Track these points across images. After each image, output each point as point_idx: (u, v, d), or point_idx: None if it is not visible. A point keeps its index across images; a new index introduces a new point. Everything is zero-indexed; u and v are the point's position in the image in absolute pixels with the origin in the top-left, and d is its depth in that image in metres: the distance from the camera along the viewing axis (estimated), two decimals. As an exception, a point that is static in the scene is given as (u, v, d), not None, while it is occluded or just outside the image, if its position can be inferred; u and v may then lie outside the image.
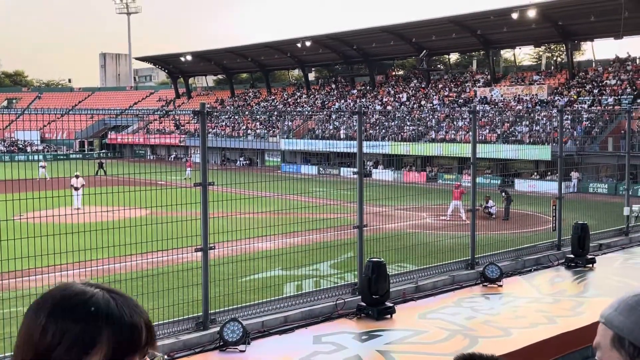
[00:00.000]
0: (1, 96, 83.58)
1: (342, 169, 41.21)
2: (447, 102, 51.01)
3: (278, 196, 10.10)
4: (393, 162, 42.19)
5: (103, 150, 70.50)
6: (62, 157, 59.68)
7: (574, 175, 33.22)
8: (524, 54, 69.91)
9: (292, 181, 10.68)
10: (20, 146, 68.75)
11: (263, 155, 57.18)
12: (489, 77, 51.65)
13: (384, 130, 49.35)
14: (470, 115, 11.57)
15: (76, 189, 23.62)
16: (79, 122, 70.58)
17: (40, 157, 51.54)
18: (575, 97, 43.94)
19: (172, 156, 66.01)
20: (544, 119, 42.43)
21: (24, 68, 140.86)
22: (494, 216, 23.39)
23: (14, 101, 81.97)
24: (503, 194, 24.86)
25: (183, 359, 7.10)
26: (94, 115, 71.95)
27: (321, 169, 47.28)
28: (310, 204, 11.55)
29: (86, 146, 73.42)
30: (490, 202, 24.39)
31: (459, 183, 26.37)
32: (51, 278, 8.80)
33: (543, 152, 36.11)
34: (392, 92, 56.98)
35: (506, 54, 58.56)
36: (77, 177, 24.92)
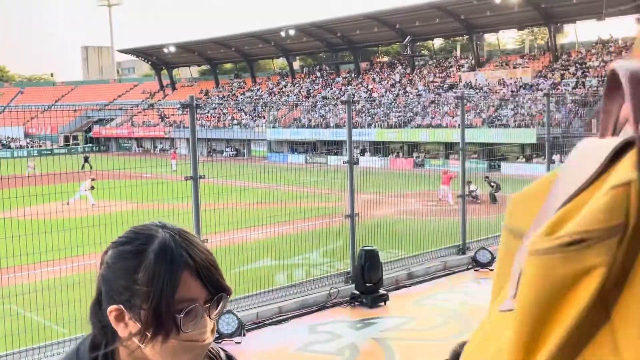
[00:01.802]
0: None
1: (329, 157, 41.24)
2: (432, 88, 51.09)
3: (267, 186, 10.10)
4: (380, 149, 42.28)
5: (88, 144, 70.00)
6: (46, 152, 59.17)
7: (557, 157, 33.43)
8: (508, 38, 70.11)
9: (280, 171, 10.68)
10: (4, 142, 68.08)
11: (249, 146, 57.06)
12: (473, 61, 51.76)
13: (370, 118, 49.37)
14: (457, 101, 11.61)
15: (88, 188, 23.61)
16: (63, 117, 69.94)
17: (25, 153, 51.01)
18: (559, 79, 44.16)
19: (158, 148, 65.67)
20: (529, 102, 42.63)
21: (5, 63, 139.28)
22: (478, 200, 23.42)
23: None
24: (492, 184, 24.77)
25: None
26: (78, 109, 71.33)
27: (308, 157, 47.28)
28: (298, 193, 11.57)
29: (71, 140, 72.86)
30: (472, 186, 24.32)
31: (446, 169, 26.58)
32: (40, 275, 8.77)
33: (528, 135, 36.31)
34: (377, 79, 56.96)
35: (490, 38, 58.68)
36: (92, 179, 24.91)
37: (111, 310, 1.21)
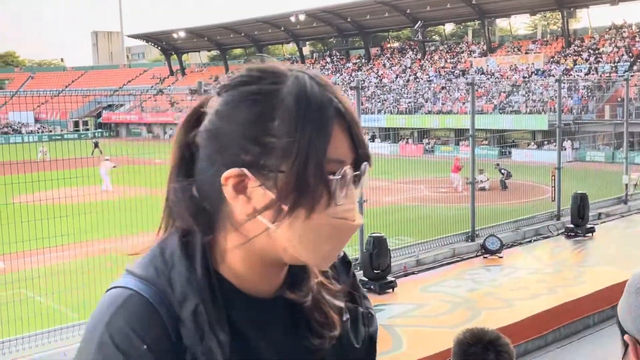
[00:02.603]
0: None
1: (339, 143, 41.06)
2: (443, 74, 50.77)
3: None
4: (389, 135, 42.13)
5: (98, 130, 70.21)
6: (57, 137, 59.41)
7: (568, 144, 33.14)
8: (520, 23, 69.42)
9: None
10: (15, 127, 68.39)
11: (259, 131, 57.02)
12: (484, 47, 51.35)
13: (380, 104, 49.18)
14: (468, 87, 11.53)
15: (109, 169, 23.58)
16: (72, 103, 70.07)
17: (36, 138, 51.29)
18: (571, 65, 43.75)
19: (168, 134, 65.79)
20: (541, 88, 42.29)
21: (15, 49, 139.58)
22: (487, 189, 23.26)
23: (6, 82, 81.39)
24: (503, 171, 24.63)
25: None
26: (88, 95, 71.51)
27: (318, 143, 47.10)
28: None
29: (81, 126, 73.09)
30: (482, 177, 24.13)
31: (458, 157, 26.59)
32: (52, 259, 8.82)
33: (540, 122, 36.06)
34: (388, 64, 56.66)
35: (502, 23, 58.17)
36: (108, 160, 24.88)
37: (228, 176, 0.87)
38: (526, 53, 48.02)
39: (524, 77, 44.13)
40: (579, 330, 7.93)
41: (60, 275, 8.03)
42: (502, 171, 24.50)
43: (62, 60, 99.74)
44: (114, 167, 23.71)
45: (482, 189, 22.87)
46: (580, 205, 11.62)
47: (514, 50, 49.62)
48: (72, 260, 9.81)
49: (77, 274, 8.49)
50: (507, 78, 45.16)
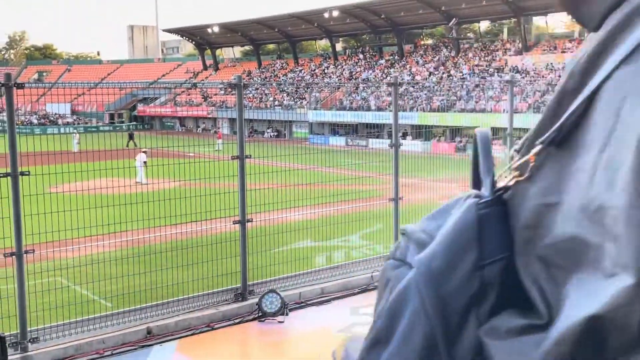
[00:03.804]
0: (32, 69, 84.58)
1: (370, 140, 41.01)
2: (477, 72, 50.24)
3: (309, 168, 10.09)
4: (422, 133, 41.84)
5: (133, 122, 71.16)
6: (92, 129, 60.37)
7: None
8: (558, 22, 68.33)
9: (321, 153, 10.65)
10: (52, 119, 69.65)
11: (291, 127, 57.15)
12: (520, 45, 50.67)
13: (412, 101, 48.88)
14: (504, 85, 11.37)
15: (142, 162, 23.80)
16: (108, 95, 71.16)
17: (73, 130, 52.17)
18: (609, 65, 42.92)
19: (200, 128, 66.34)
20: (577, 87, 41.57)
21: (53, 41, 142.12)
22: None
23: (44, 74, 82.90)
24: None
25: (223, 329, 7.18)
26: (123, 88, 72.50)
27: (349, 140, 47.12)
28: (339, 175, 11.54)
29: (116, 118, 74.16)
30: None
31: None
32: (86, 249, 8.95)
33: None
34: (421, 61, 56.27)
35: (538, 21, 57.30)
36: (145, 152, 25.18)
37: None
38: (563, 52, 47.24)
39: (559, 77, 43.42)
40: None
41: (96, 265, 8.14)
42: None
43: (98, 53, 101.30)
44: (145, 162, 23.92)
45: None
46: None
47: (550, 49, 48.86)
48: (107, 250, 9.94)
49: (112, 264, 8.60)
50: (543, 77, 44.50)
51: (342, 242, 14.02)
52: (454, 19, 51.79)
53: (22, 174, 6.47)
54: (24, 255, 6.45)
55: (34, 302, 6.89)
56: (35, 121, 68.11)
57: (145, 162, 24.15)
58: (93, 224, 7.77)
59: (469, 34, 60.86)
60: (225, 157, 7.96)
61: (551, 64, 46.21)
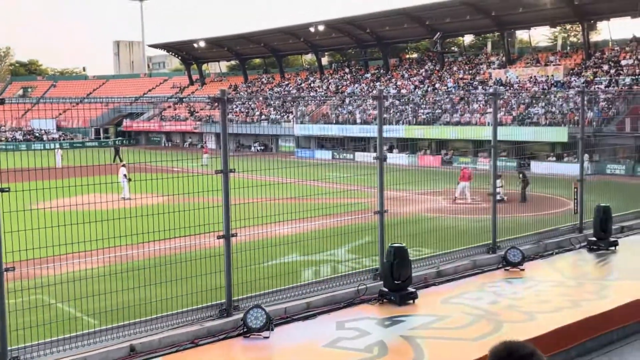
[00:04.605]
0: (17, 85, 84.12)
1: (356, 153, 41.08)
2: (461, 85, 50.60)
3: (294, 182, 10.07)
4: (408, 146, 41.98)
5: (119, 138, 70.84)
6: (78, 144, 60.02)
7: (586, 157, 32.76)
8: (540, 35, 69.11)
9: (308, 167, 10.65)
10: (37, 134, 69.17)
11: (277, 141, 57.16)
12: (504, 58, 51.14)
13: (398, 114, 49.09)
14: (487, 98, 11.46)
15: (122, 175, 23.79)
16: (94, 110, 70.86)
17: (55, 146, 51.87)
18: (591, 77, 43.39)
19: (187, 143, 66.17)
20: (560, 100, 41.97)
21: (38, 57, 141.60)
22: (505, 199, 23.07)
23: (29, 90, 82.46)
24: (520, 175, 24.64)
25: (207, 345, 7.11)
26: (109, 103, 72.20)
27: (336, 153, 47.17)
28: (326, 189, 11.54)
29: (102, 134, 73.78)
30: (497, 181, 23.92)
31: (465, 166, 27.50)
32: (69, 266, 8.84)
33: (560, 134, 35.77)
34: (406, 75, 56.59)
35: (521, 35, 57.91)
36: (124, 166, 25.20)
37: None
38: (546, 65, 47.73)
39: (543, 89, 43.83)
40: (604, 345, 7.79)
41: (80, 282, 8.05)
42: (521, 175, 24.48)
43: (84, 69, 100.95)
44: (125, 176, 23.85)
45: (501, 200, 22.62)
46: (603, 218, 11.46)
47: (533, 62, 49.34)
48: (92, 267, 9.84)
49: (96, 281, 8.51)
50: (527, 90, 44.88)
51: (328, 255, 14.00)
52: (438, 33, 52.22)
53: (2, 190, 6.41)
54: (4, 273, 6.36)
55: (14, 321, 6.79)
56: (20, 137, 67.59)
57: (125, 176, 24.07)
58: (76, 240, 7.69)
59: (453, 48, 61.34)
60: (211, 171, 7.94)
61: (534, 76, 46.63)
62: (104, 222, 7.89)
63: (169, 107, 71.10)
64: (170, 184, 8.71)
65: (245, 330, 7.28)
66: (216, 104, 7.29)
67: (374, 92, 10.11)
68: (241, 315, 7.37)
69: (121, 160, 32.97)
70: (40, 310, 7.79)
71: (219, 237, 7.66)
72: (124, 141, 67.86)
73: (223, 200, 7.64)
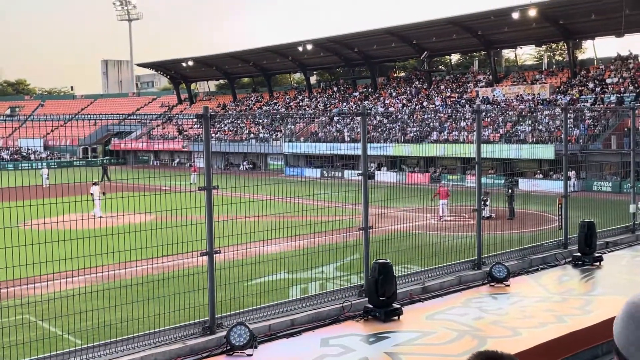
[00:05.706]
0: (4, 104, 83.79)
1: (345, 171, 41.16)
2: (449, 103, 50.98)
3: (282, 199, 10.07)
4: (396, 163, 42.13)
5: (107, 157, 70.60)
6: (65, 164, 59.73)
7: (572, 174, 33.05)
8: (526, 54, 69.81)
9: (295, 184, 10.66)
10: (24, 154, 68.84)
11: (266, 159, 57.19)
12: (490, 77, 51.61)
13: (386, 132, 49.31)
14: (474, 115, 11.56)
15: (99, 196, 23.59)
16: (82, 129, 70.66)
17: (45, 165, 51.58)
18: (577, 95, 43.85)
19: (176, 161, 66.06)
20: (547, 118, 42.35)
21: (25, 76, 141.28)
22: (492, 215, 23.22)
23: (17, 109, 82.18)
24: (509, 190, 24.83)
25: (190, 364, 7.05)
26: (97, 122, 72.06)
27: (324, 171, 47.24)
28: (314, 206, 11.55)
29: (89, 153, 73.54)
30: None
31: (441, 184, 28.07)
32: (56, 285, 8.78)
33: (546, 151, 36.04)
34: (394, 93, 56.95)
35: (508, 54, 58.52)
36: (95, 184, 25.01)
37: None
38: (532, 83, 48.21)
39: (530, 107, 44.22)
40: (588, 360, 7.80)
41: (64, 301, 7.98)
42: (509, 191, 24.72)
43: (71, 88, 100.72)
44: (104, 193, 23.67)
45: (489, 217, 22.76)
46: (588, 233, 11.52)
47: (519, 81, 49.83)
48: (76, 286, 9.76)
49: (81, 299, 8.45)
50: (513, 108, 45.27)
51: (315, 273, 13.95)
52: (426, 52, 52.67)
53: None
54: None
55: (-3, 340, 6.73)
56: (6, 157, 67.20)
57: (104, 193, 23.89)
58: (61, 257, 7.64)
59: (440, 67, 61.84)
60: (197, 189, 7.93)
61: (521, 94, 47.07)
62: (85, 240, 7.84)
63: (158, 126, 71.04)
64: (156, 201, 8.70)
65: (228, 348, 7.23)
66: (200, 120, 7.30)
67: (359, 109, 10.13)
68: (224, 333, 7.33)
69: (109, 180, 32.84)
70: (26, 330, 7.72)
71: (202, 254, 7.63)
72: (112, 160, 67.61)
73: (206, 217, 7.63)
